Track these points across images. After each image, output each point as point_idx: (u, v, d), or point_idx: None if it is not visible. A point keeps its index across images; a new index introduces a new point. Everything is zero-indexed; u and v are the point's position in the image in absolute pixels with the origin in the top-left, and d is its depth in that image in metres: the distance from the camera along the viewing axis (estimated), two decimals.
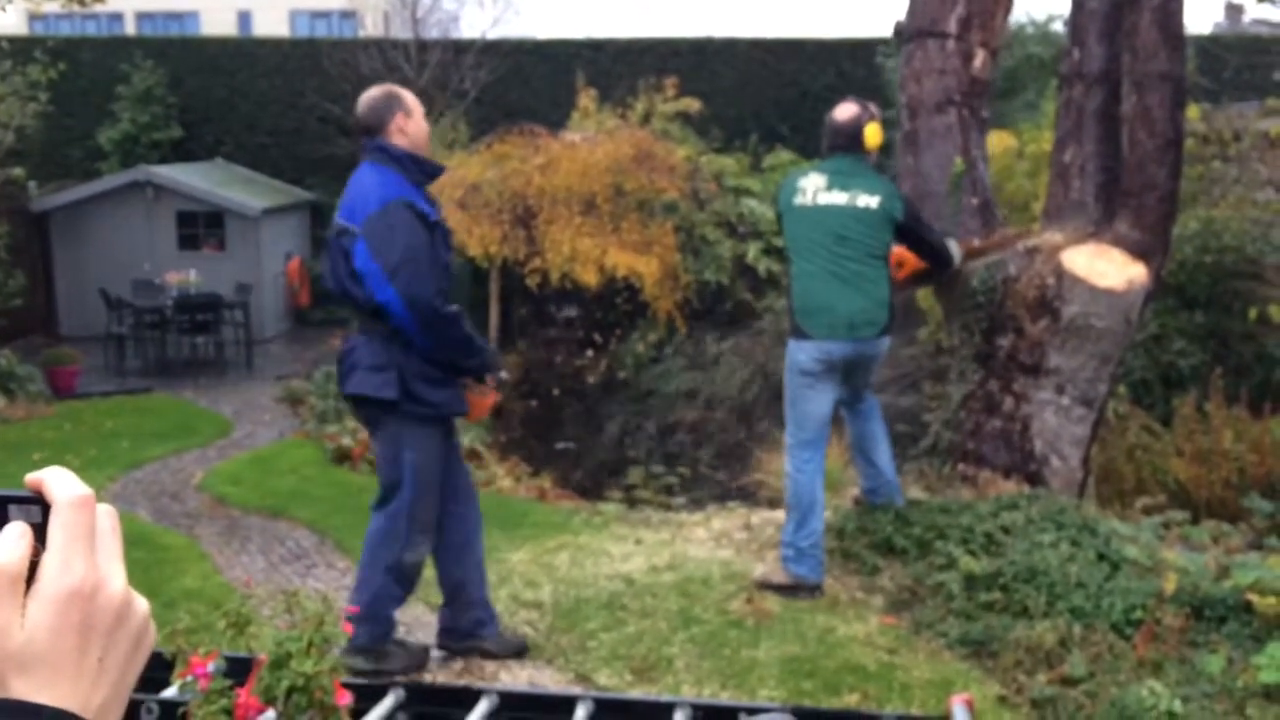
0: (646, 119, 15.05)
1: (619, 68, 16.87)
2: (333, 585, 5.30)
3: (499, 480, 7.61)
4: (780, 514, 6.15)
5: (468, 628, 4.31)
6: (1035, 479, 5.14)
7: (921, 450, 5.71)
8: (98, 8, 11.47)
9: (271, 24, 42.36)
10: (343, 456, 8.40)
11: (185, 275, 13.51)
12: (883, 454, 4.97)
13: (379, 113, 3.83)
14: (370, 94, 3.93)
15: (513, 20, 18.57)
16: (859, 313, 4.54)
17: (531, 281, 11.91)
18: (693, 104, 15.20)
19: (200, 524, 6.52)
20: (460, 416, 4.09)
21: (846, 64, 17.67)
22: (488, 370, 4.00)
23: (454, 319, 3.75)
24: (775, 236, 13.05)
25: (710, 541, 5.76)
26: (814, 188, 4.65)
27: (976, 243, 5.17)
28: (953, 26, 5.53)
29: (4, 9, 11.35)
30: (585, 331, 12.58)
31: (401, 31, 16.70)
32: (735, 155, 15.05)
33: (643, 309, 12.23)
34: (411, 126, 3.84)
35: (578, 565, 5.40)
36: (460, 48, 16.15)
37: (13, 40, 16.25)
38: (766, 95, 17.81)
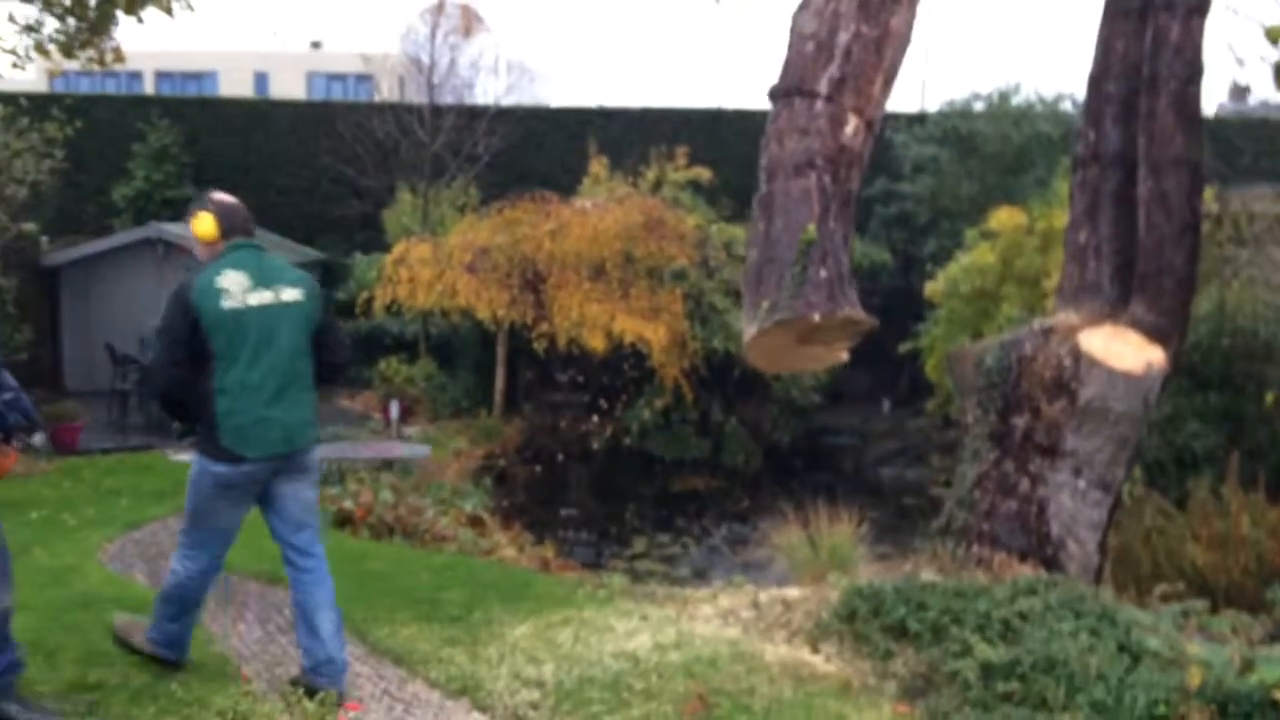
0: (657, 187, 15.18)
1: (631, 136, 17.04)
2: None
3: (502, 549, 7.49)
4: (790, 591, 6.04)
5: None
6: (1051, 563, 5.03)
7: (934, 530, 5.61)
8: (117, 66, 11.60)
9: (288, 85, 43.02)
10: (344, 520, 8.29)
11: None
12: (327, 624, 4.45)
13: None
14: None
15: (526, 87, 18.94)
16: (299, 422, 4.35)
17: (539, 345, 11.89)
18: (704, 173, 15.33)
19: None
20: None
21: None
22: (3, 431, 3.88)
23: None
24: None
25: (717, 619, 5.63)
26: (239, 287, 4.22)
27: (816, 318, 4.56)
28: (823, 87, 4.98)
29: (23, 67, 11.47)
30: (591, 397, 12.51)
31: (417, 96, 16.89)
32: (745, 224, 15.12)
33: (649, 375, 12.19)
34: None
35: (582, 641, 5.27)
36: (474, 113, 16.32)
37: (31, 97, 16.46)
38: None
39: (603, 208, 12.98)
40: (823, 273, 4.56)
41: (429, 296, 12.21)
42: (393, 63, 18.18)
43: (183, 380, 4.20)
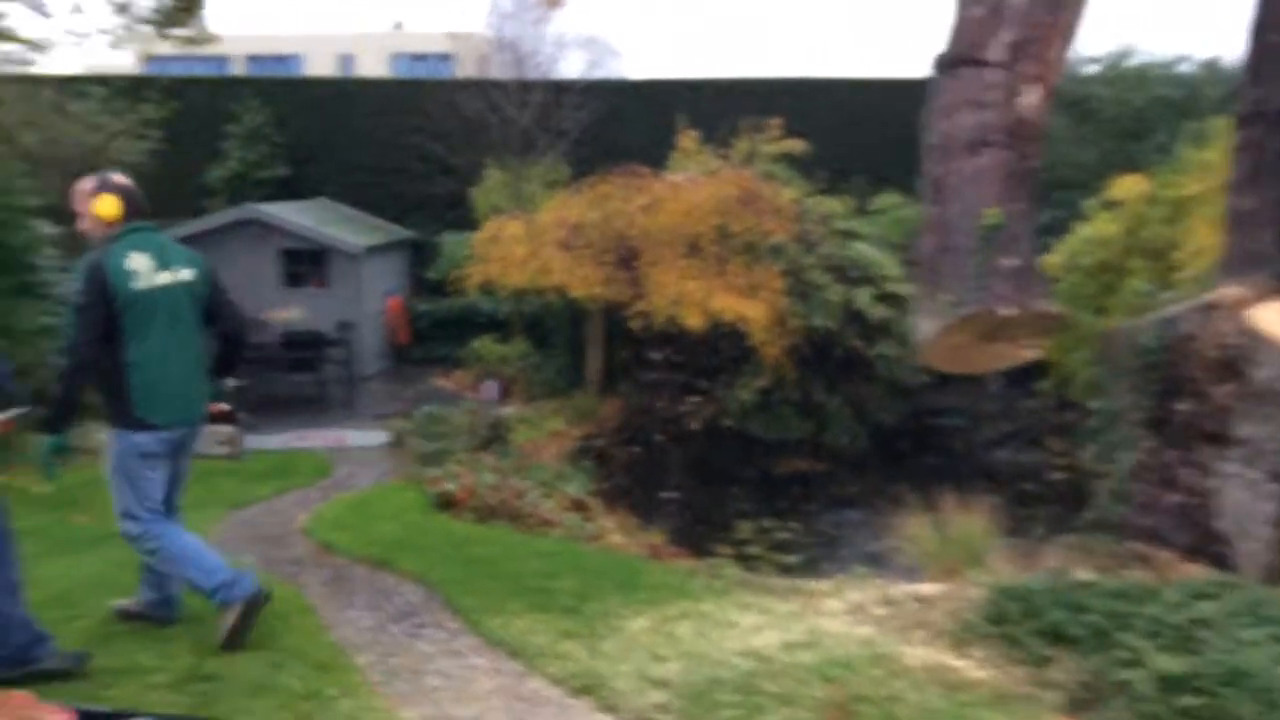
0: (749, 160, 14.76)
1: (720, 108, 16.62)
2: (443, 648, 5.00)
3: (609, 534, 7.26)
4: (924, 587, 5.69)
5: (16, 653, 4.22)
6: (1220, 561, 4.61)
7: (1085, 523, 5.21)
8: (208, 49, 11.59)
9: (372, 66, 43.33)
10: (447, 503, 8.15)
11: (289, 312, 13.54)
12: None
13: None
14: None
15: (608, 63, 18.60)
16: (198, 393, 4.75)
17: (635, 325, 11.62)
18: (796, 144, 14.87)
19: (304, 573, 6.29)
20: None
21: None
22: None
23: None
24: (887, 282, 12.60)
25: (846, 616, 5.31)
26: (146, 268, 4.54)
27: (1001, 312, 4.25)
28: (997, 54, 4.58)
29: (120, 47, 11.51)
30: (689, 376, 12.21)
31: (499, 74, 16.71)
32: (840, 197, 14.64)
33: (748, 354, 11.85)
34: None
35: (704, 636, 5.00)
36: (561, 88, 16.07)
37: (128, 79, 16.66)
38: (873, 135, 17.39)
39: (696, 181, 12.64)
40: (1009, 261, 4.17)
41: (522, 275, 12.02)
42: (476, 41, 18.01)
43: (97, 356, 4.47)
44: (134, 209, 4.63)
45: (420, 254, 17.16)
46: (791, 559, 8.34)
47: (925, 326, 4.23)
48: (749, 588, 5.93)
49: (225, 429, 9.16)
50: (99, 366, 4.49)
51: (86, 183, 4.62)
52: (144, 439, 4.56)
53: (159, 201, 16.78)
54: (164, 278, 4.57)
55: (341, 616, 5.46)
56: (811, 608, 5.49)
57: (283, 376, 13.13)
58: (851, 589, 5.77)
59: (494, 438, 10.59)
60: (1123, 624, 4.14)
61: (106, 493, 8.31)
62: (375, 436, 9.59)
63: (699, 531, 9.65)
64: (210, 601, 4.75)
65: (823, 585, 5.95)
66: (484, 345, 14.13)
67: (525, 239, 12.27)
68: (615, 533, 7.44)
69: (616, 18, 51.95)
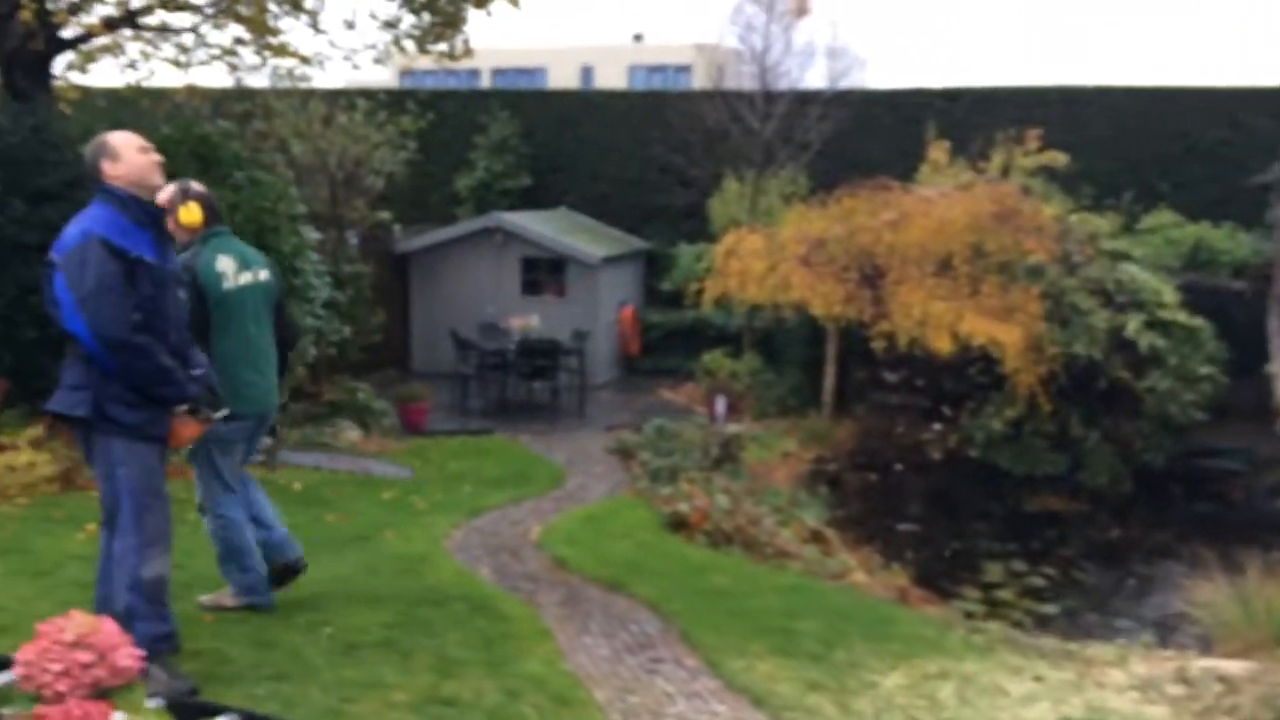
0: (1005, 173, 13.90)
1: (974, 119, 15.77)
2: (682, 688, 4.73)
3: (851, 573, 6.81)
4: (1228, 665, 4.97)
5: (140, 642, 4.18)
6: None
7: None
8: (459, 63, 11.90)
9: (611, 78, 44.26)
10: (679, 524, 7.92)
11: (528, 320, 13.77)
12: (269, 511, 5.22)
13: (89, 160, 4.15)
14: (85, 150, 4.25)
15: (853, 73, 17.99)
16: (273, 385, 5.07)
17: (877, 346, 11.07)
18: (1059, 157, 13.88)
19: (540, 590, 6.19)
20: (159, 439, 4.19)
21: (1243, 115, 15.59)
22: (186, 401, 4.16)
23: (143, 351, 3.99)
24: (1161, 308, 11.50)
25: (1133, 691, 4.69)
26: (232, 270, 4.86)
27: None
28: None
29: (384, 62, 11.98)
30: (933, 402, 11.54)
31: (739, 84, 16.46)
32: (1107, 214, 13.54)
33: (999, 382, 11.06)
34: (120, 169, 4.09)
35: (969, 705, 4.52)
36: (806, 98, 15.65)
37: (389, 93, 17.50)
38: (1145, 148, 16.06)
39: (949, 196, 11.95)
40: None
41: (760, 290, 11.71)
42: (719, 52, 17.85)
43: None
44: (213, 215, 4.97)
45: (655, 265, 17.15)
46: (1049, 609, 7.64)
47: None
48: (1015, 647, 5.37)
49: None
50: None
51: (167, 191, 4.76)
52: (227, 428, 4.76)
53: (412, 209, 17.48)
54: (246, 278, 4.93)
55: (578, 642, 5.29)
56: (1091, 678, 4.90)
57: (518, 383, 13.34)
58: (1136, 659, 5.12)
59: (725, 457, 10.31)
60: None
61: (356, 492, 8.58)
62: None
63: (938, 568, 9.03)
64: (234, 600, 5.18)
65: (1103, 651, 5.32)
66: (714, 359, 13.91)
67: (764, 253, 11.95)
68: (857, 570, 6.98)
69: (862, 27, 50.87)
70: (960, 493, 10.88)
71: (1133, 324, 11.16)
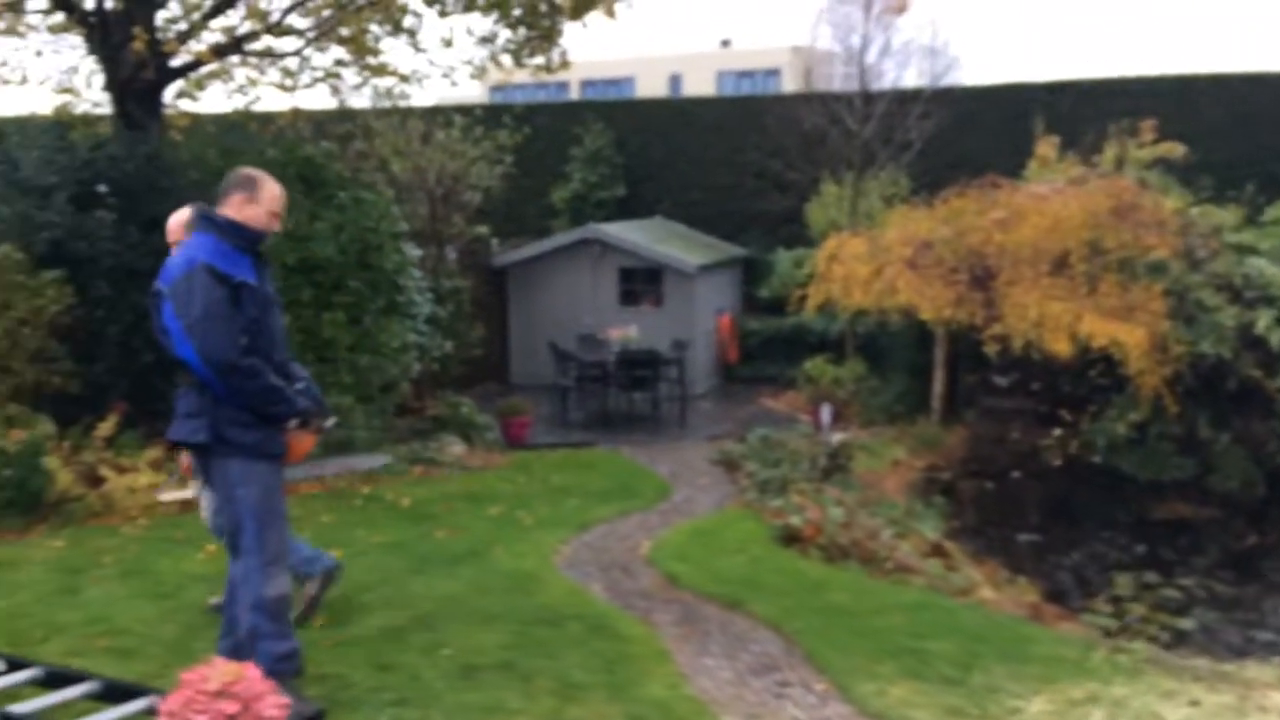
0: (1118, 166, 13.33)
1: (1083, 112, 15.19)
2: (813, 714, 4.53)
3: (978, 589, 6.51)
4: None
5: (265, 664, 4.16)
6: None
7: None
8: (549, 77, 11.88)
9: (700, 85, 44.14)
10: (791, 537, 7.69)
11: (627, 330, 13.67)
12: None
13: (229, 182, 4.24)
14: (235, 171, 4.32)
15: (949, 72, 17.52)
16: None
17: (990, 349, 10.67)
18: (1176, 148, 13.27)
19: (655, 609, 6.04)
20: (276, 457, 4.24)
21: None
22: (296, 415, 4.22)
23: (251, 372, 4.05)
24: None
25: None
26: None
27: None
28: None
29: (480, 78, 12.03)
30: (1051, 406, 11.08)
31: (839, 86, 16.13)
32: (1229, 206, 12.90)
33: (1120, 384, 10.57)
34: (248, 211, 4.19)
35: None
36: (906, 97, 15.28)
37: (483, 108, 17.62)
38: (1265, 137, 15.29)
39: (1063, 192, 11.47)
40: None
41: (865, 295, 11.39)
42: (814, 54, 17.54)
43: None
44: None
45: (753, 271, 16.93)
46: (1185, 623, 7.21)
47: None
48: (1164, 668, 5.05)
49: None
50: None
51: (185, 213, 4.87)
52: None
53: (509, 222, 17.53)
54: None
55: (698, 664, 5.13)
56: (1252, 701, 4.56)
57: (619, 394, 13.25)
58: None
59: (834, 466, 10.04)
60: None
61: (464, 507, 8.56)
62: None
63: (1064, 581, 8.64)
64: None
65: (1262, 672, 4.96)
66: (816, 366, 13.61)
67: (868, 257, 11.64)
68: (984, 586, 6.67)
69: (958, 24, 49.82)
70: (1082, 500, 10.41)
71: (1263, 320, 10.56)
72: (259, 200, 4.21)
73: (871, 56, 14.86)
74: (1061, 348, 10.21)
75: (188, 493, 5.40)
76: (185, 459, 5.27)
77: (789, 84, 34.92)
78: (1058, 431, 10.81)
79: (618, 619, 5.74)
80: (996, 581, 7.02)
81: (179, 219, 5.02)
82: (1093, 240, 10.89)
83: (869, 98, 14.80)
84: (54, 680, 4.15)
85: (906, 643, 5.33)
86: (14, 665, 4.26)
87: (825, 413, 12.03)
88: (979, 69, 68.59)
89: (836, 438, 10.96)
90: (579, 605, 5.95)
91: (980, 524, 9.69)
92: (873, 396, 13.07)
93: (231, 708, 2.37)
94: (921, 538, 7.67)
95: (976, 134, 16.15)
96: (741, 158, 17.50)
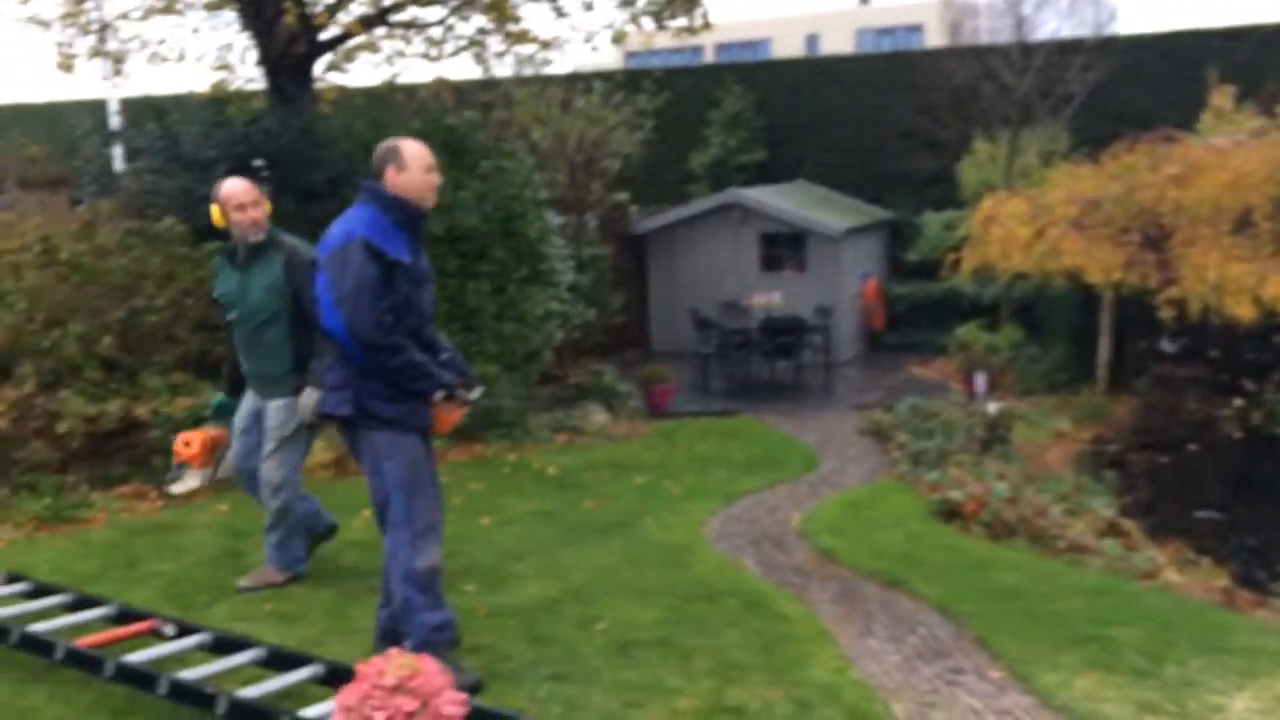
0: None
1: (1265, 59, 14.07)
2: (990, 705, 4.24)
3: (1163, 571, 6.05)
4: None
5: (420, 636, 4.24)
6: None
7: None
8: (687, 40, 11.57)
9: (838, 43, 42.96)
10: (951, 513, 7.34)
11: (769, 297, 13.37)
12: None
13: (377, 160, 4.19)
14: (378, 147, 4.24)
15: (1112, 24, 16.49)
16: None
17: (1166, 314, 9.99)
18: None
19: (811, 585, 5.81)
20: (422, 430, 4.20)
21: None
22: (441, 389, 4.17)
23: (394, 349, 4.03)
24: None
25: None
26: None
27: None
28: None
29: (621, 41, 11.81)
30: (1232, 375, 10.33)
31: (977, 39, 15.34)
32: None
33: None
34: (402, 179, 4.14)
35: None
36: (1066, 48, 14.42)
37: (623, 73, 17.45)
38: None
39: (1244, 145, 10.61)
40: None
41: (1027, 258, 10.80)
42: (965, 7, 16.73)
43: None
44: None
45: (899, 235, 16.35)
46: None
47: None
48: None
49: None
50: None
51: (241, 185, 5.18)
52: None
53: (648, 189, 17.35)
54: None
55: (862, 646, 4.89)
56: None
57: (761, 362, 12.98)
58: None
59: (993, 438, 9.57)
60: None
61: (611, 476, 8.47)
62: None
63: (1252, 562, 8.01)
64: (271, 558, 5.49)
65: None
66: (969, 332, 13.02)
67: (1029, 217, 11.02)
68: (1169, 568, 6.20)
69: None
70: (1267, 475, 9.68)
71: None
72: (407, 165, 4.15)
73: (1028, 7, 14.05)
74: (1244, 312, 9.48)
75: (194, 483, 5.44)
76: (179, 453, 5.38)
77: (932, 40, 33.62)
78: (1239, 401, 10.08)
79: (774, 596, 5.53)
80: (1180, 563, 6.52)
81: (239, 189, 5.17)
82: (1278, 196, 10.05)
83: (1026, 49, 14.02)
84: (221, 646, 4.20)
85: (1089, 630, 4.96)
86: (183, 630, 4.33)
87: (980, 381, 11.52)
88: (1140, 18, 64.73)
89: (993, 407, 10.45)
90: (733, 580, 5.76)
91: (1154, 500, 9.09)
92: (1031, 364, 12.45)
93: (410, 704, 2.27)
94: (1095, 515, 7.21)
95: (1143, 85, 15.15)
96: (887, 116, 16.88)
